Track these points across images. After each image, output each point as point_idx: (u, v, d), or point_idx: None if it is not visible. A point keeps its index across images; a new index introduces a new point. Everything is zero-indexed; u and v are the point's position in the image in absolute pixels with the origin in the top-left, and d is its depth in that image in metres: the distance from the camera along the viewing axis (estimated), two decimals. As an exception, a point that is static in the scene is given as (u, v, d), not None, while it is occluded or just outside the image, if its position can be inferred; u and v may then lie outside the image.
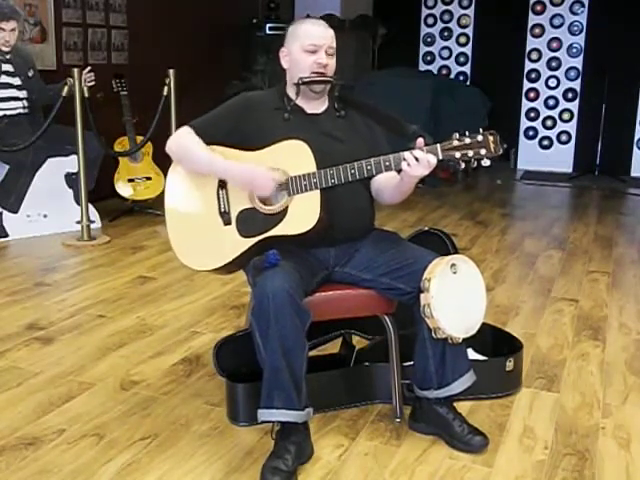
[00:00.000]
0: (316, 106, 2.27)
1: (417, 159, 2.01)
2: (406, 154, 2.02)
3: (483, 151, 2.01)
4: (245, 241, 2.15)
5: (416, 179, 2.07)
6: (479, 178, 7.32)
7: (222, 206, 2.19)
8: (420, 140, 2.03)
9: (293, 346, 1.97)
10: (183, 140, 2.20)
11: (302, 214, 2.10)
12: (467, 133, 2.03)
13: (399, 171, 2.13)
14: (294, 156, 2.12)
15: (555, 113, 7.81)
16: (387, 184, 2.23)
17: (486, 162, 2.03)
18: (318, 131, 2.20)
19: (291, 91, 2.26)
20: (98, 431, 2.23)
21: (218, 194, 2.20)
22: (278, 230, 2.12)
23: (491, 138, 2.02)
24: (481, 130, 2.03)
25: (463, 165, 2.03)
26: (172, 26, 6.02)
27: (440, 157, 2.02)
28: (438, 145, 2.03)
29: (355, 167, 2.08)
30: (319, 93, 2.23)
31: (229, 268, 2.23)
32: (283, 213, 2.12)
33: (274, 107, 2.24)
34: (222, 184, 2.20)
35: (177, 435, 2.22)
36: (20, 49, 4.55)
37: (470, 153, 2.01)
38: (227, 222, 2.18)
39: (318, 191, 2.09)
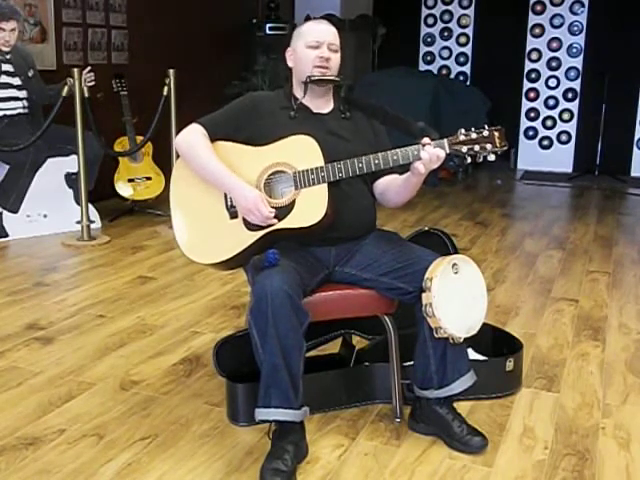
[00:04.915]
0: (322, 106, 2.29)
1: (431, 158, 2.04)
2: (422, 153, 2.04)
3: (489, 146, 2.06)
4: (251, 234, 2.16)
5: (425, 174, 2.09)
6: (479, 178, 7.33)
7: (229, 200, 2.20)
8: (426, 139, 2.06)
9: (291, 345, 1.97)
10: (193, 141, 2.21)
11: (309, 207, 2.11)
12: (473, 129, 2.07)
13: (402, 172, 2.15)
14: (302, 150, 2.13)
15: (555, 113, 7.81)
16: (390, 183, 2.24)
17: (491, 157, 2.07)
18: (324, 129, 2.22)
19: (297, 90, 2.27)
20: (98, 431, 2.23)
21: None
22: (285, 223, 2.13)
23: (497, 133, 2.07)
24: (486, 126, 2.07)
25: (469, 159, 2.07)
26: (172, 26, 6.01)
27: (447, 151, 2.06)
28: (445, 140, 2.06)
29: (363, 161, 2.10)
30: (324, 89, 2.25)
31: (232, 263, 2.23)
32: (290, 206, 2.13)
33: (280, 106, 2.26)
34: None
35: (177, 435, 2.22)
36: (20, 49, 4.55)
37: (476, 147, 2.06)
38: (234, 216, 2.19)
39: (326, 185, 2.11)
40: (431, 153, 2.04)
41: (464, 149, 2.06)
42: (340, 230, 2.19)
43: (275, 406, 2.00)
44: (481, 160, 2.07)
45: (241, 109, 2.27)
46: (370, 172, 2.13)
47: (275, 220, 2.12)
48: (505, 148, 2.08)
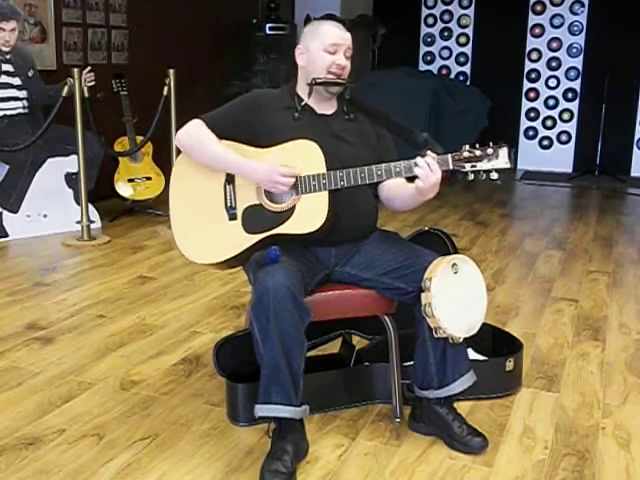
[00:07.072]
0: (326, 107, 2.27)
1: (429, 166, 2.00)
2: (419, 161, 2.01)
3: (492, 164, 2.01)
4: (249, 237, 2.15)
5: (431, 190, 2.05)
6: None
7: (228, 201, 2.19)
8: (429, 153, 2.03)
9: (292, 342, 1.97)
10: (196, 132, 2.20)
11: (309, 214, 2.10)
12: (477, 145, 2.03)
13: (408, 179, 2.14)
14: (305, 156, 2.12)
15: (555, 113, 7.81)
16: (397, 191, 2.23)
17: (494, 175, 2.01)
18: (328, 132, 2.21)
19: (302, 90, 2.26)
20: (98, 431, 2.23)
21: (225, 189, 2.20)
22: (284, 228, 2.12)
23: (501, 152, 2.01)
24: (491, 143, 2.02)
25: (472, 177, 2.02)
26: (172, 26, 6.01)
27: (450, 167, 2.02)
28: (449, 155, 2.03)
29: (365, 171, 2.08)
30: (334, 94, 2.25)
31: (230, 263, 2.23)
32: (290, 212, 2.12)
33: (284, 106, 2.24)
34: (229, 179, 2.20)
35: (177, 435, 2.22)
36: (20, 49, 4.55)
37: (479, 165, 2.01)
38: (232, 217, 2.19)
39: (327, 192, 2.10)
40: (433, 166, 1.99)
41: (467, 166, 2.01)
42: (341, 233, 2.18)
43: (275, 402, 2.00)
44: (484, 178, 2.01)
45: (245, 106, 2.25)
46: (372, 182, 2.12)
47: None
48: (508, 167, 2.01)
